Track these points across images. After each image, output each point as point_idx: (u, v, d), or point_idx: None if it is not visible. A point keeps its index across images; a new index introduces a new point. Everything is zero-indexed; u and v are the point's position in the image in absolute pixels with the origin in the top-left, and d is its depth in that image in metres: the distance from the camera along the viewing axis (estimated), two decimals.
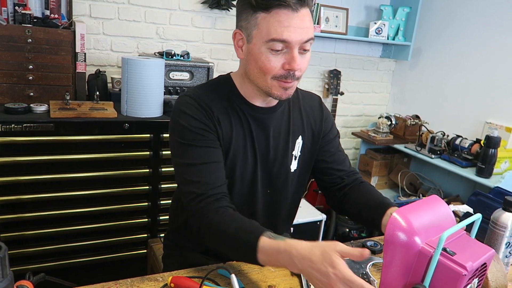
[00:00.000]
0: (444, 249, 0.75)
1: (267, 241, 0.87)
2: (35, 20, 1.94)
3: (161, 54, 2.27)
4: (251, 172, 1.15)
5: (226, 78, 1.15)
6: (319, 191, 2.94)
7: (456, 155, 2.58)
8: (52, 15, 2.05)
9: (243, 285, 0.98)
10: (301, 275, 1.02)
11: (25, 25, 1.89)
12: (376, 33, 3.07)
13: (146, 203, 2.06)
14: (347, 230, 2.74)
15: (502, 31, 2.61)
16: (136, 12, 2.42)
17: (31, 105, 1.85)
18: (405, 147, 2.95)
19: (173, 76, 2.25)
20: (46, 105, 1.88)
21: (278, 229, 1.25)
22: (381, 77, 3.47)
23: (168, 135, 1.96)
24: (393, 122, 3.07)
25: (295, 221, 1.57)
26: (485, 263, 0.78)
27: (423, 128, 2.88)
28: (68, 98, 1.93)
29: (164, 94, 2.12)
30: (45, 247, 1.90)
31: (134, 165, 2.00)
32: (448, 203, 2.60)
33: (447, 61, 2.98)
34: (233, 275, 0.90)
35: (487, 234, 1.13)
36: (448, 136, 2.72)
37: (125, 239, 2.07)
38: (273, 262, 0.88)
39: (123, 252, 2.08)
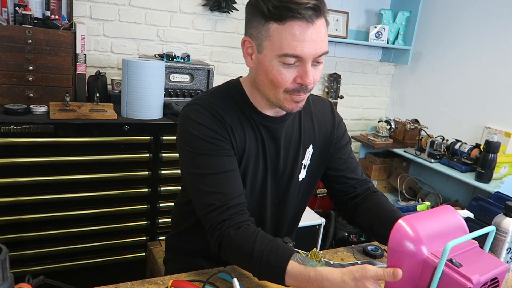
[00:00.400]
0: (450, 260, 0.73)
1: (296, 267, 0.85)
2: (35, 21, 1.93)
3: (161, 56, 2.27)
4: (261, 183, 1.13)
5: (236, 85, 1.10)
6: (318, 195, 2.93)
7: (455, 159, 2.59)
8: (53, 16, 2.05)
9: None
10: None
11: (25, 26, 1.88)
12: (376, 37, 3.08)
13: (145, 206, 2.05)
14: (346, 234, 2.73)
15: (502, 36, 2.62)
16: (136, 14, 2.42)
17: (30, 106, 1.84)
18: (404, 151, 2.94)
19: (173, 78, 2.25)
20: (46, 107, 1.87)
21: (282, 235, 1.24)
22: (380, 81, 3.48)
23: (167, 137, 1.99)
24: (393, 126, 3.07)
25: None
26: (496, 278, 0.76)
27: (422, 132, 2.88)
28: (68, 99, 1.92)
29: (164, 96, 2.12)
30: (44, 249, 1.88)
31: (133, 167, 1.99)
32: None
33: (446, 65, 2.99)
34: (235, 279, 0.89)
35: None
36: (447, 140, 2.72)
37: (124, 241, 2.05)
38: (302, 287, 0.86)
39: (122, 255, 2.07)
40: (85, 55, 2.02)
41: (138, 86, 1.93)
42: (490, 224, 1.12)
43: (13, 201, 1.79)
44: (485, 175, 2.34)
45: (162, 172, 2.03)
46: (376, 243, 1.30)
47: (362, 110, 3.49)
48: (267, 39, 0.93)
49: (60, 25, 2.01)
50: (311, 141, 1.17)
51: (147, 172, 2.01)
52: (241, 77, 1.14)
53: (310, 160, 1.19)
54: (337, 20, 3.00)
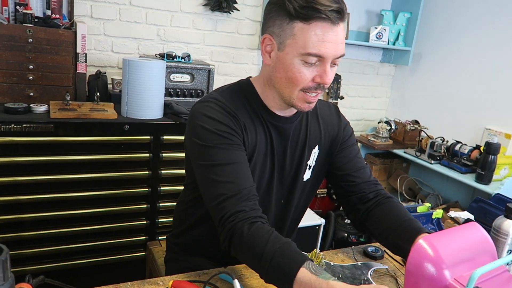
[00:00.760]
0: None
1: (307, 275, 0.81)
2: (36, 20, 1.93)
3: (162, 56, 2.26)
4: (267, 182, 1.13)
5: (247, 84, 1.11)
6: (318, 196, 2.93)
7: (455, 161, 2.59)
8: (53, 15, 2.05)
9: None
10: None
11: (26, 25, 1.88)
12: (377, 37, 3.07)
13: (145, 205, 2.05)
14: (346, 235, 2.72)
15: (502, 37, 2.62)
16: (137, 14, 2.42)
17: (31, 105, 1.84)
18: (404, 152, 2.95)
19: (173, 78, 2.25)
20: (46, 106, 1.87)
21: (282, 235, 1.24)
22: (381, 82, 3.48)
23: (168, 137, 1.98)
24: (393, 127, 3.07)
25: None
26: None
27: (422, 133, 2.88)
28: (68, 98, 1.92)
29: (165, 96, 2.11)
30: (44, 249, 1.88)
31: (133, 167, 1.99)
32: (447, 209, 2.60)
33: (447, 66, 2.99)
34: (235, 280, 0.89)
35: None
36: (447, 141, 2.72)
37: (124, 241, 2.05)
38: None
39: (122, 254, 2.06)
40: (86, 54, 2.02)
41: (138, 85, 1.93)
42: (490, 226, 1.12)
43: (13, 200, 1.78)
44: (485, 176, 2.34)
45: (162, 172, 2.03)
46: (376, 244, 1.30)
47: (362, 110, 3.48)
48: (291, 38, 0.95)
49: (61, 24, 2.01)
50: (317, 142, 1.18)
51: (147, 172, 2.01)
52: (250, 77, 1.14)
53: (315, 161, 1.19)
54: None
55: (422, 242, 0.70)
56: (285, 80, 1.00)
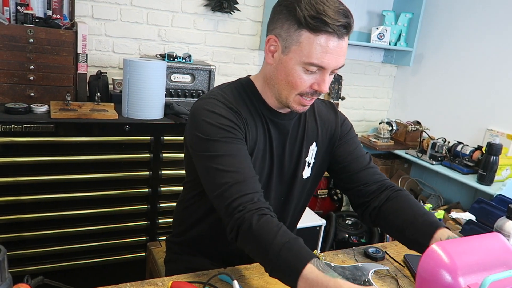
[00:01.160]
0: None
1: (314, 272, 0.80)
2: (37, 20, 1.93)
3: (162, 56, 2.26)
4: (266, 178, 1.14)
5: (248, 81, 1.14)
6: (319, 196, 2.93)
7: (457, 161, 2.58)
8: (54, 16, 2.05)
9: None
10: None
11: (27, 25, 1.88)
12: (378, 38, 3.07)
13: (146, 206, 2.05)
14: (347, 235, 2.72)
15: (504, 38, 2.61)
16: (138, 14, 2.42)
17: (31, 105, 1.83)
18: (405, 153, 2.94)
19: (174, 79, 2.25)
20: (47, 106, 1.87)
21: None
22: (382, 83, 3.47)
23: (168, 137, 1.98)
24: (394, 128, 3.06)
25: None
26: None
27: (424, 134, 2.87)
28: (69, 99, 1.92)
29: (165, 97, 2.11)
30: (43, 249, 1.88)
31: (134, 167, 1.99)
32: (449, 210, 2.59)
33: (448, 67, 2.98)
34: (235, 281, 0.89)
35: None
36: (449, 142, 2.71)
37: (124, 241, 2.05)
38: None
39: (122, 255, 2.06)
40: (87, 54, 2.02)
41: (139, 86, 1.92)
42: (492, 227, 1.11)
43: (13, 201, 1.78)
44: (487, 177, 2.33)
45: (163, 172, 2.03)
46: (377, 245, 1.29)
47: (364, 111, 3.48)
48: (297, 44, 0.97)
49: (62, 25, 2.01)
50: (314, 139, 1.19)
51: (147, 172, 2.01)
52: (250, 75, 1.16)
53: (314, 159, 1.20)
54: None
55: (436, 247, 0.68)
56: (285, 82, 1.03)
